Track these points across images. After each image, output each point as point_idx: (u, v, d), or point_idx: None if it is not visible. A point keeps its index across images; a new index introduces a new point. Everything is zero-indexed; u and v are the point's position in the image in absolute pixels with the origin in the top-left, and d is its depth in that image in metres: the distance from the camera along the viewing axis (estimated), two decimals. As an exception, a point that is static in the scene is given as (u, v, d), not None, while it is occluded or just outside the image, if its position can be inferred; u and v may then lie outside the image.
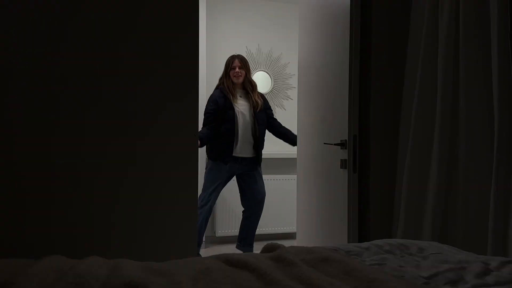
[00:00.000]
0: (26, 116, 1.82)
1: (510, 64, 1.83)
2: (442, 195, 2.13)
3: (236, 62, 3.40)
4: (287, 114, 4.48)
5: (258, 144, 3.41)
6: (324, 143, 2.66)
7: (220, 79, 3.47)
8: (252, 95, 3.42)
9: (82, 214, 1.89)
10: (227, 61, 3.46)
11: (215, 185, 3.32)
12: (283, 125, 3.62)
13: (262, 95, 3.57)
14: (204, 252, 3.75)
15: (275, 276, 1.05)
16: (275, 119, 3.61)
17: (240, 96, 3.42)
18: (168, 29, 1.99)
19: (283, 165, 4.32)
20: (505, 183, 1.81)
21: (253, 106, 3.40)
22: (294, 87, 4.24)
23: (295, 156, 3.31)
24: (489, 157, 1.94)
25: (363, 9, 2.46)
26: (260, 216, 3.54)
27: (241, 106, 3.37)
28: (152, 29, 1.97)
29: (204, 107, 3.38)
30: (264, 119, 3.48)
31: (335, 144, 2.51)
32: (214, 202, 3.37)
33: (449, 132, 2.12)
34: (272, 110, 3.67)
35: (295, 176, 3.45)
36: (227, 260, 1.17)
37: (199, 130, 3.25)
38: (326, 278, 1.05)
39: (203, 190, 3.33)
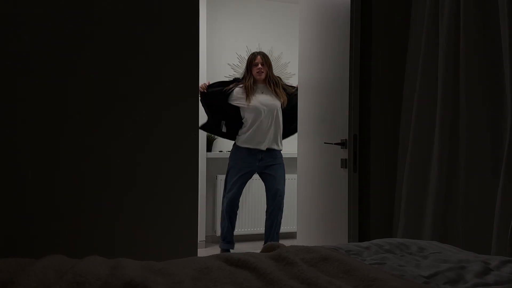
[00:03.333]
0: (33, 118, 1.83)
1: None
2: (442, 195, 2.13)
3: (259, 59, 3.46)
4: (287, 114, 4.48)
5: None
6: (325, 143, 2.66)
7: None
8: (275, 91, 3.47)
9: (81, 214, 1.89)
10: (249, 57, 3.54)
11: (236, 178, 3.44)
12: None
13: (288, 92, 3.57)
14: (204, 252, 3.75)
15: (275, 276, 1.05)
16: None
17: (262, 92, 3.47)
18: (168, 29, 2.00)
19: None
20: None
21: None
22: (294, 87, 4.24)
23: (296, 156, 3.31)
24: (489, 156, 1.94)
25: (363, 9, 2.46)
26: (277, 215, 3.47)
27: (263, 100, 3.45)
28: (151, 29, 1.98)
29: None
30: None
31: (335, 144, 2.51)
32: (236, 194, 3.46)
33: (449, 132, 2.12)
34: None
35: (295, 176, 3.45)
36: (227, 259, 1.17)
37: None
38: (326, 278, 1.05)
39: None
